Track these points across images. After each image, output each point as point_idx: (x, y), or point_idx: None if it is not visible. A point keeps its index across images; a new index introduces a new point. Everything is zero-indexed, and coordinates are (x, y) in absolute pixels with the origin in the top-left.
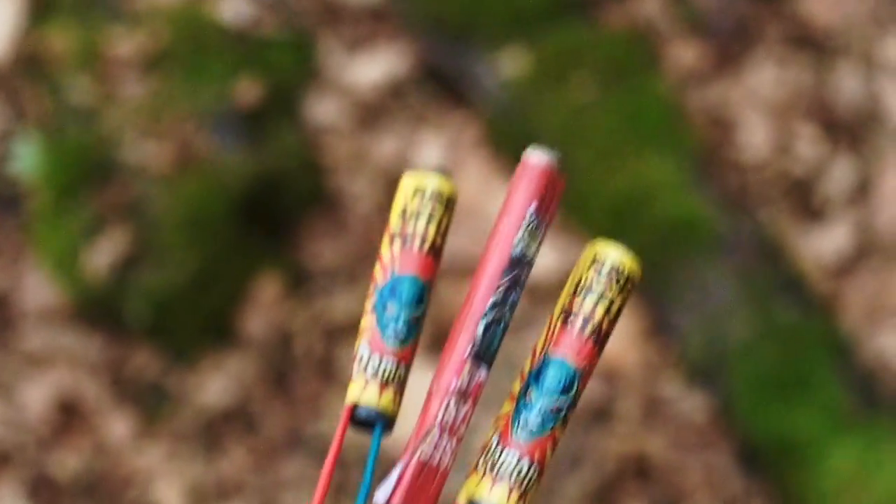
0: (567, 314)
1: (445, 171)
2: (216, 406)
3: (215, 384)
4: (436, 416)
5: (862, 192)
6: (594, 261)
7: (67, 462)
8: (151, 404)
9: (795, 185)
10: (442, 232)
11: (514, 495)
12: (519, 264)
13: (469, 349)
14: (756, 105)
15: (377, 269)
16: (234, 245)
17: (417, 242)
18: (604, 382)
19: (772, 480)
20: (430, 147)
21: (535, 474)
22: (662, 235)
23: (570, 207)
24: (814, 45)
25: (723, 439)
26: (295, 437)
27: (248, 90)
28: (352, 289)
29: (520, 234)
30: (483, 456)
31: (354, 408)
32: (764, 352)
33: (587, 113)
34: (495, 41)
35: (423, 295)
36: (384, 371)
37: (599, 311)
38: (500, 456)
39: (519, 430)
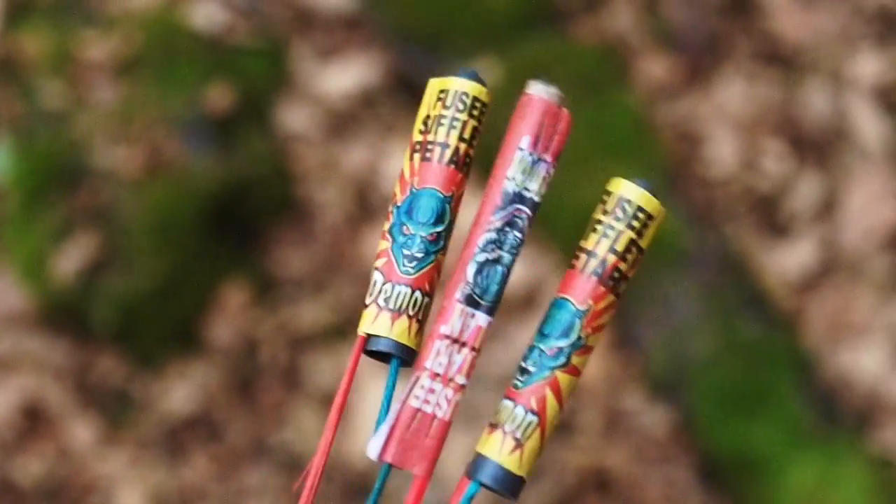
0: (577, 253)
1: (476, 75)
2: (180, 413)
3: (180, 391)
4: (424, 362)
5: (827, 208)
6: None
7: (30, 467)
8: (115, 410)
9: (761, 200)
10: (467, 139)
11: (509, 443)
12: (514, 201)
13: (459, 291)
14: (724, 120)
15: (397, 186)
16: (202, 252)
17: (437, 152)
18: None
19: (731, 495)
20: (399, 156)
21: (532, 421)
22: None
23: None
24: (783, 62)
25: (683, 453)
26: (258, 446)
27: (219, 97)
28: (318, 298)
29: (512, 168)
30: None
31: (368, 339)
32: (726, 367)
33: None
34: (466, 52)
35: (443, 211)
36: (397, 299)
37: (603, 246)
38: (499, 406)
39: (518, 376)
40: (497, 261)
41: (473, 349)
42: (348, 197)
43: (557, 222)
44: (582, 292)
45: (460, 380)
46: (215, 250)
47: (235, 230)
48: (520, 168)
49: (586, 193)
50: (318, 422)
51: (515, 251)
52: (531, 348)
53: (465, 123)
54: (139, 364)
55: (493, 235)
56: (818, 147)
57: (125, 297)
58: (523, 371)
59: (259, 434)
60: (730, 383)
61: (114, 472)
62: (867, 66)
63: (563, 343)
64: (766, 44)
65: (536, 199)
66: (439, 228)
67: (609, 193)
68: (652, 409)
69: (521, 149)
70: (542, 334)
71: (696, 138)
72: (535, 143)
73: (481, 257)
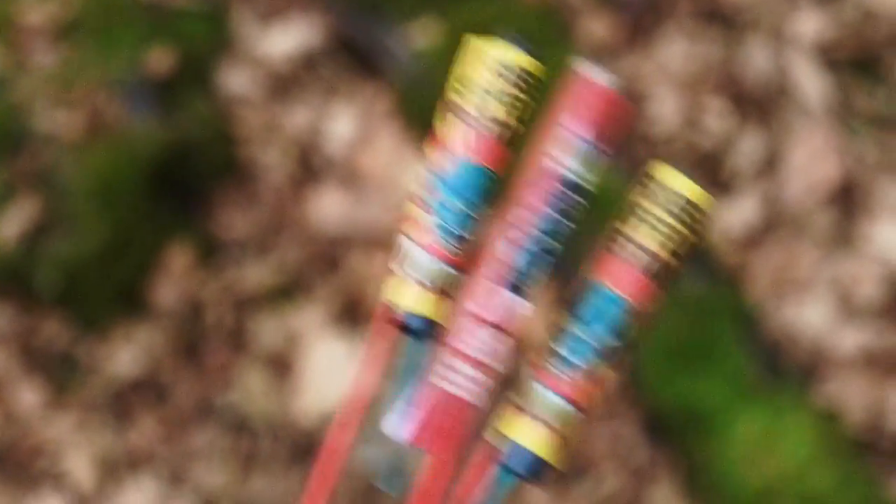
0: (620, 240)
1: (530, 48)
2: (126, 376)
3: (125, 354)
4: (454, 342)
5: (770, 165)
6: (650, 184)
7: None
8: (61, 374)
9: (704, 158)
10: (525, 120)
11: (551, 437)
12: (574, 191)
13: (504, 278)
14: (666, 79)
15: (438, 152)
16: (145, 214)
17: (497, 130)
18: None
19: (678, 450)
20: (342, 118)
21: (575, 415)
22: None
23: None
24: (723, 20)
25: (630, 409)
26: (205, 408)
27: (160, 59)
28: (263, 259)
29: (574, 159)
30: (519, 392)
31: (396, 310)
32: (671, 322)
33: None
34: (407, 13)
35: (490, 189)
36: (438, 277)
37: (655, 242)
38: (531, 388)
39: (556, 362)
40: (549, 251)
41: (507, 333)
42: (291, 159)
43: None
44: (635, 288)
45: (494, 364)
46: (158, 213)
47: (178, 193)
48: (581, 159)
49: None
50: (264, 383)
51: (564, 241)
52: (570, 334)
53: (525, 104)
54: (84, 327)
55: (548, 225)
56: (760, 104)
57: (68, 260)
58: (562, 358)
59: (206, 396)
60: (675, 339)
61: (60, 436)
62: (807, 23)
63: (616, 342)
64: (707, 2)
65: (587, 186)
66: (486, 206)
67: (652, 179)
68: None
69: (585, 140)
70: (583, 321)
71: (638, 97)
72: (599, 136)
73: (533, 246)
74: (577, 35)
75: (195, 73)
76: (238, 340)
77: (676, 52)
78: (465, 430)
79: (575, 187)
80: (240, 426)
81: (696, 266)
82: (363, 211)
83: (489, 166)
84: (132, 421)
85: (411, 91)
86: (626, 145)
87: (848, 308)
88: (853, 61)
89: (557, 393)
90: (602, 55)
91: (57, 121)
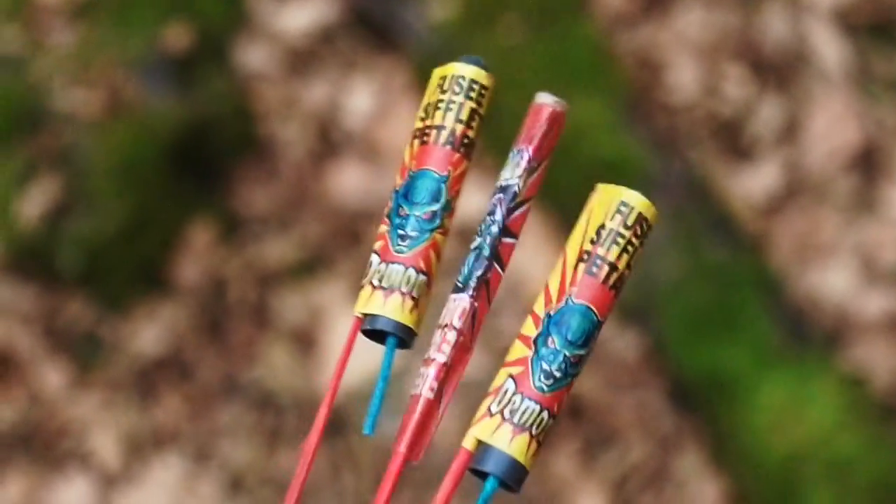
0: (589, 259)
1: (478, 61)
2: (150, 354)
3: (149, 332)
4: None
5: (790, 131)
6: (619, 208)
7: (2, 413)
8: (85, 354)
9: (724, 125)
10: (464, 120)
11: (534, 446)
12: (495, 193)
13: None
14: (684, 47)
15: (397, 175)
16: (166, 192)
17: (434, 134)
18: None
19: (703, 418)
20: (361, 92)
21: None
22: (592, 176)
23: (499, 150)
24: None
25: (654, 378)
26: (230, 385)
27: (177, 37)
28: (284, 235)
29: (504, 169)
30: (498, 400)
31: (364, 320)
32: (694, 290)
33: (516, 56)
34: None
35: (438, 190)
36: (389, 277)
37: (623, 260)
38: (519, 404)
39: (541, 379)
40: (477, 248)
41: (449, 327)
42: (311, 133)
43: None
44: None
45: (442, 358)
46: (179, 190)
47: (199, 170)
48: (504, 167)
49: None
50: (288, 359)
51: (493, 235)
52: (554, 352)
53: (461, 105)
54: (107, 306)
55: (477, 227)
56: (779, 71)
57: (90, 239)
58: (547, 373)
59: (230, 372)
60: (698, 306)
61: (86, 416)
62: None
63: (436, 207)
64: None
65: (513, 185)
66: (434, 207)
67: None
68: (622, 334)
69: (518, 151)
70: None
71: (656, 66)
72: (517, 141)
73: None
74: (594, 4)
75: (213, 49)
76: (261, 316)
77: (694, 20)
78: (423, 423)
79: (498, 189)
80: (264, 402)
81: (718, 234)
82: (383, 184)
83: (433, 169)
84: (157, 399)
85: (429, 64)
86: (647, 114)
87: (871, 272)
88: (871, 26)
89: (542, 405)
90: (619, 24)
91: (76, 100)
